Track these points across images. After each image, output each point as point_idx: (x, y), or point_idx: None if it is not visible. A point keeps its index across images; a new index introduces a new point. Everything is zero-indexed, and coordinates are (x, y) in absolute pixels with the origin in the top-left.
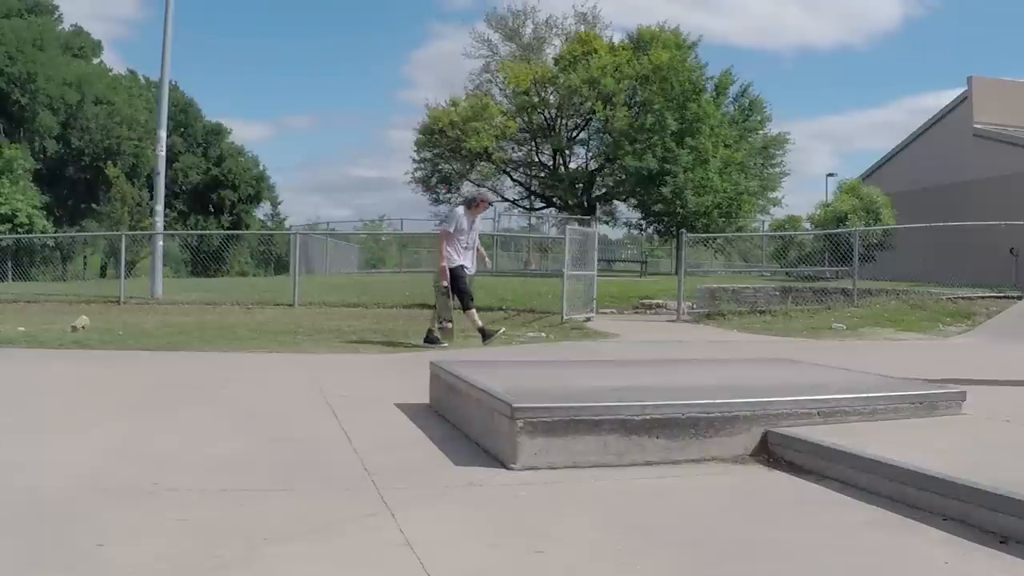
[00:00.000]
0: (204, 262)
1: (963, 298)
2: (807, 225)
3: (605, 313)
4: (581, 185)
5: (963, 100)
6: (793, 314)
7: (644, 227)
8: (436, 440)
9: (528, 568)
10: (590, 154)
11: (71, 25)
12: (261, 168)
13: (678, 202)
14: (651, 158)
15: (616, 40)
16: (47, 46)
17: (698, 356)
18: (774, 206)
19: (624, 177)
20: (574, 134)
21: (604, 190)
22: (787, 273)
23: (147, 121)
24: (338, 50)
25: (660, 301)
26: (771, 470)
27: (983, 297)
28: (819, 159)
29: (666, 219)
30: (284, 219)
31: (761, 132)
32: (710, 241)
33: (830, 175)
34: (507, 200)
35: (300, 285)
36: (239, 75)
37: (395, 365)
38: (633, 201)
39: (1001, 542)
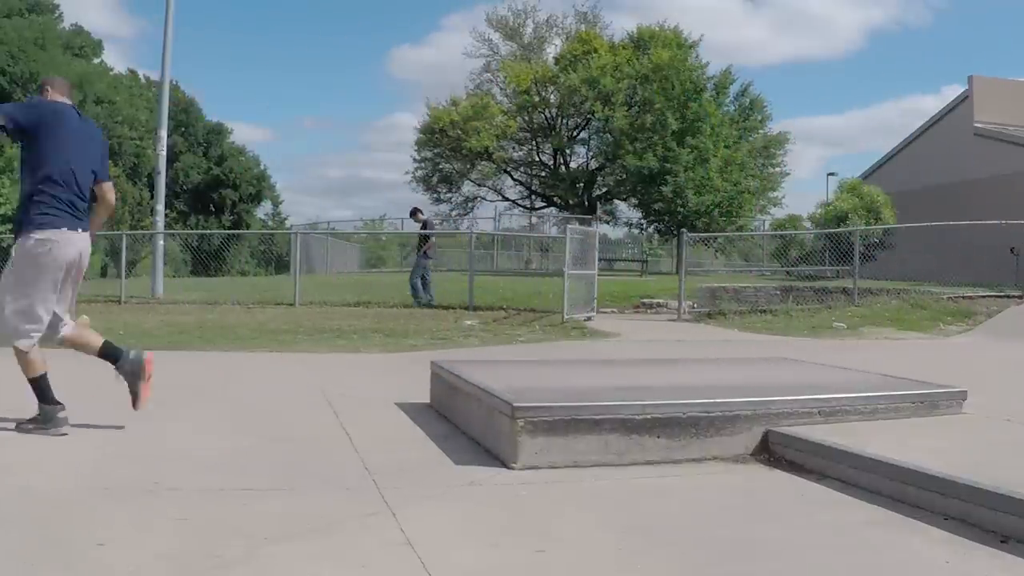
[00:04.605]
0: (205, 262)
1: (964, 297)
2: (808, 224)
3: (606, 312)
4: (582, 184)
5: (963, 100)
6: (794, 313)
7: (645, 226)
8: (437, 439)
9: (529, 567)
10: (591, 153)
11: (71, 24)
12: (262, 168)
13: (679, 201)
14: (652, 157)
15: (617, 39)
16: (48, 45)
17: (699, 355)
18: (774, 206)
19: (625, 176)
20: (575, 133)
21: (605, 189)
22: (788, 272)
23: (148, 120)
24: (338, 49)
25: (661, 300)
26: (772, 469)
27: (984, 296)
28: (818, 159)
29: (667, 218)
30: (285, 219)
31: (761, 131)
32: (711, 240)
33: (831, 174)
34: (508, 200)
35: (301, 284)
36: (240, 75)
37: (395, 365)
38: (634, 200)
39: (1002, 541)
